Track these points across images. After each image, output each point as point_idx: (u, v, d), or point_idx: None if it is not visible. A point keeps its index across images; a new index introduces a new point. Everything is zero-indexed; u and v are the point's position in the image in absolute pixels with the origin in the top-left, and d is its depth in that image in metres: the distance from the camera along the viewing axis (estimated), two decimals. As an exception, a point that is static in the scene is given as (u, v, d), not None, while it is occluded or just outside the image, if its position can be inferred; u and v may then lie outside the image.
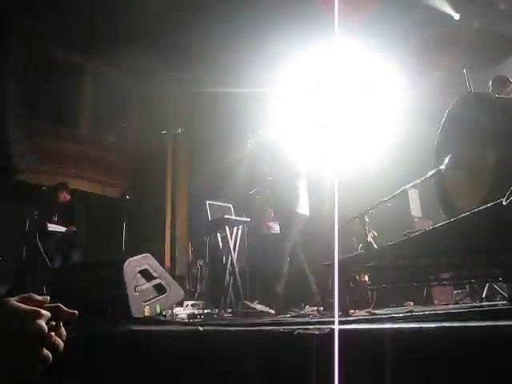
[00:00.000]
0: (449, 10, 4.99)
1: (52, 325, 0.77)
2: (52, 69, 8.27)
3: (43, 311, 0.77)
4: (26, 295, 0.80)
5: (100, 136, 9.45)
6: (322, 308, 3.76)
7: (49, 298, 0.82)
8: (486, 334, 1.14)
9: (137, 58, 8.26)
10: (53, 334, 0.77)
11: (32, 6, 6.71)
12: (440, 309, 2.75)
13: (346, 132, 6.70)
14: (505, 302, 2.24)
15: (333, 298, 3.81)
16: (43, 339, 0.75)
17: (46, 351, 0.76)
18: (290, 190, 4.60)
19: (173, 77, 9.30)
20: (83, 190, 8.51)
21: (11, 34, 6.94)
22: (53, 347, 0.77)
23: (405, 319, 1.83)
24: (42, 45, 7.93)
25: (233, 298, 5.38)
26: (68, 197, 6.55)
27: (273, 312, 4.17)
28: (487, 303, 2.44)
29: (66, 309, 0.82)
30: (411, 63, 3.89)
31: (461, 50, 3.08)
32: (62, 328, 0.80)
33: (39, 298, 0.81)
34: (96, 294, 3.48)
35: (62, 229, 6.01)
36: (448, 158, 2.78)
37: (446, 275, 2.58)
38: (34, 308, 0.77)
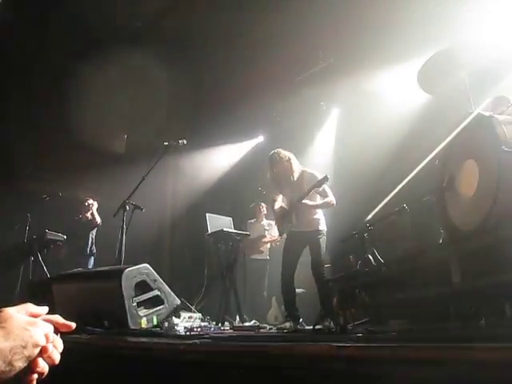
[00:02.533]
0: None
1: (49, 336, 0.77)
2: (54, 76, 8.30)
3: (41, 322, 0.77)
4: (25, 305, 0.80)
5: (102, 145, 9.47)
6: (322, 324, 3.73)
7: (47, 308, 0.82)
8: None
9: (141, 67, 8.32)
10: (50, 345, 0.77)
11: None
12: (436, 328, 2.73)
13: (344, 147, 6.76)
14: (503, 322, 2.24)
15: (330, 314, 3.81)
16: (40, 351, 0.75)
17: (42, 362, 0.76)
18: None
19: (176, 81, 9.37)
20: (83, 198, 8.51)
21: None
22: (49, 359, 0.77)
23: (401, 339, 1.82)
24: (45, 51, 7.97)
25: (232, 312, 5.38)
26: (88, 216, 6.69)
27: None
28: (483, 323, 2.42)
29: (63, 320, 0.82)
30: (411, 80, 3.91)
31: (464, 71, 3.11)
32: (59, 339, 0.80)
33: (38, 308, 0.81)
34: (93, 304, 3.46)
35: (61, 237, 6.00)
36: (448, 176, 2.79)
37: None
38: (33, 319, 0.77)
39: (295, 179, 4.62)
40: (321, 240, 4.48)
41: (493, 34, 3.60)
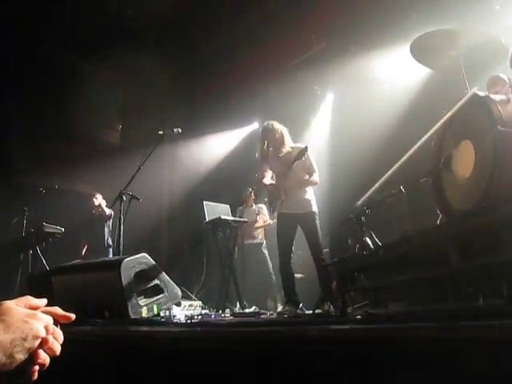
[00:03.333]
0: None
1: (49, 328, 0.77)
2: (50, 69, 8.23)
3: (41, 314, 0.77)
4: (24, 298, 0.80)
5: (98, 137, 9.43)
6: (322, 308, 3.76)
7: (46, 300, 0.82)
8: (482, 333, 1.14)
9: (134, 57, 8.25)
10: (50, 336, 0.77)
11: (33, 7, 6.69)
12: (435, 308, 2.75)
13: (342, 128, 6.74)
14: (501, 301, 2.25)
15: (329, 298, 3.83)
16: (41, 342, 0.75)
17: (43, 354, 0.76)
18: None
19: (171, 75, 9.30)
20: (80, 190, 8.50)
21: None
22: (50, 350, 0.77)
23: (402, 319, 1.84)
24: (40, 45, 7.90)
25: (232, 299, 5.41)
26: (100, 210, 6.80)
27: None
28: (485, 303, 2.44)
29: (63, 312, 0.82)
30: (408, 62, 3.89)
31: (458, 51, 3.09)
32: (59, 331, 0.80)
33: (37, 300, 0.81)
34: (93, 295, 3.47)
35: (59, 229, 6.00)
36: (444, 157, 2.80)
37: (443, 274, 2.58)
38: (32, 311, 0.77)
39: (284, 153, 4.58)
40: (316, 222, 4.45)
41: (491, 20, 3.59)
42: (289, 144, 4.63)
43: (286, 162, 4.49)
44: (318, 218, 4.47)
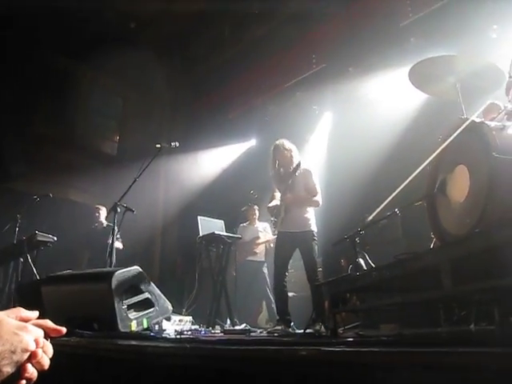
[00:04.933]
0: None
1: (39, 341, 0.76)
2: (47, 75, 8.25)
3: (31, 327, 0.76)
4: (15, 309, 0.79)
5: (94, 145, 9.42)
6: (313, 328, 3.74)
7: (37, 312, 0.81)
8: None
9: (134, 67, 8.30)
10: (40, 350, 0.76)
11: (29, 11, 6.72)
12: (427, 332, 2.75)
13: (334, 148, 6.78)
14: (492, 327, 2.25)
15: (321, 317, 3.82)
16: (30, 356, 0.74)
17: (31, 368, 0.75)
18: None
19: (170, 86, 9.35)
20: (74, 199, 8.47)
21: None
22: (39, 364, 0.76)
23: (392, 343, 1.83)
24: (37, 50, 7.92)
25: (223, 316, 5.37)
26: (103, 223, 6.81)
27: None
28: (476, 327, 2.44)
29: (53, 325, 0.81)
30: (406, 85, 3.94)
31: (455, 78, 3.13)
32: (49, 345, 0.79)
33: (28, 312, 0.80)
34: (83, 306, 3.44)
35: (51, 238, 5.95)
36: (440, 181, 2.81)
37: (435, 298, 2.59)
38: (23, 323, 0.76)
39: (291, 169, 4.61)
40: (314, 242, 4.46)
41: (487, 48, 3.65)
42: (297, 161, 4.67)
43: (292, 181, 4.53)
44: (316, 238, 4.49)
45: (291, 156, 4.65)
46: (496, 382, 1.07)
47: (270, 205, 4.77)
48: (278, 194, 4.79)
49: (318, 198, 4.52)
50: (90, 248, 6.83)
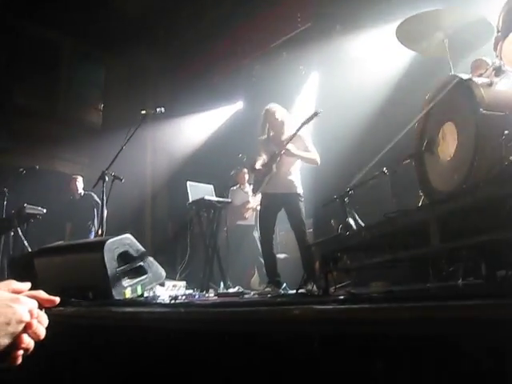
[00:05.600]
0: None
1: (33, 312, 0.77)
2: (26, 45, 8.02)
3: (24, 298, 0.77)
4: (7, 282, 0.80)
5: (78, 115, 9.27)
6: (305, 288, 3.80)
7: (30, 284, 0.82)
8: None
9: (117, 34, 8.08)
10: (34, 321, 0.77)
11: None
12: (416, 288, 2.81)
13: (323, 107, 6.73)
14: (479, 281, 2.31)
15: (312, 278, 3.88)
16: (25, 327, 0.75)
17: (27, 338, 0.76)
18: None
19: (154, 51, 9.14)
20: (62, 171, 8.40)
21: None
22: (34, 334, 0.77)
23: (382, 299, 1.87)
24: (17, 18, 7.67)
25: (216, 279, 5.44)
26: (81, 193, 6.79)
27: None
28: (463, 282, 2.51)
29: (47, 295, 0.82)
30: (393, 43, 3.89)
31: (443, 33, 3.09)
32: (44, 315, 0.80)
33: (20, 284, 0.81)
34: (77, 277, 3.46)
35: (41, 210, 5.93)
36: (427, 139, 2.82)
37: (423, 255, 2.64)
38: (15, 295, 0.77)
39: (285, 138, 4.55)
40: (300, 203, 4.47)
41: (476, 1, 3.58)
42: (289, 128, 4.61)
43: (283, 144, 4.49)
44: (302, 199, 4.50)
45: (282, 121, 4.61)
46: (486, 332, 1.11)
47: (257, 166, 4.68)
48: (262, 157, 4.71)
49: (314, 155, 4.52)
50: (70, 219, 6.90)
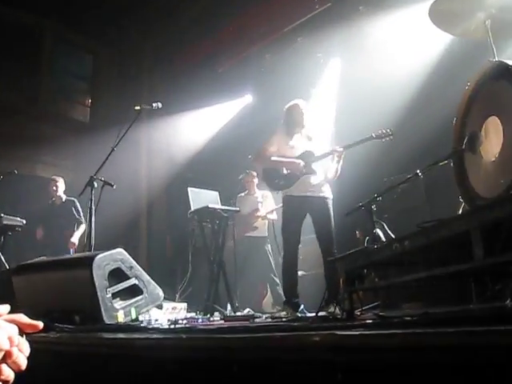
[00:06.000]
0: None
1: (13, 339, 0.77)
2: (3, 31, 8.11)
3: (3, 323, 0.77)
4: (-18, 305, 0.80)
5: (62, 111, 9.34)
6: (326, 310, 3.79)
7: (9, 307, 0.82)
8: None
9: (106, 19, 8.15)
10: (15, 349, 0.77)
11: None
12: (456, 310, 2.78)
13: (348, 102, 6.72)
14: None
15: (335, 298, 3.86)
16: (4, 356, 0.75)
17: (7, 369, 0.76)
18: None
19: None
20: (41, 175, 8.45)
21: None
22: (15, 364, 0.77)
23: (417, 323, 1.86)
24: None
25: (222, 301, 5.43)
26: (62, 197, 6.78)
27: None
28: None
29: (28, 320, 0.82)
30: (424, 26, 3.88)
31: (485, 14, 3.08)
32: (25, 342, 0.79)
33: (-2, 307, 0.81)
34: (61, 297, 3.48)
35: (20, 221, 5.97)
36: (468, 136, 2.80)
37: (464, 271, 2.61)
38: None
39: (311, 136, 4.69)
40: (330, 209, 4.50)
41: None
42: (314, 124, 4.72)
43: (308, 139, 4.60)
44: (331, 205, 4.52)
45: (307, 117, 4.74)
46: None
47: (279, 158, 4.66)
48: (272, 149, 4.70)
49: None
50: (44, 227, 6.74)
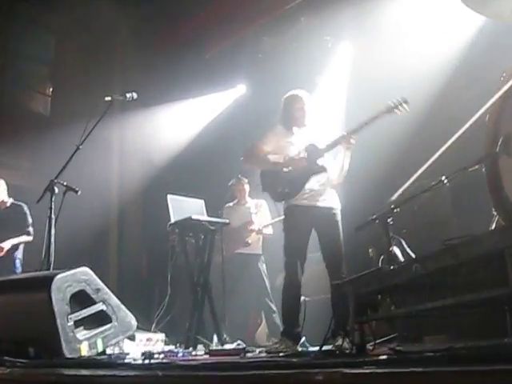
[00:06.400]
0: None
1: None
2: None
3: None
4: None
5: (17, 102, 9.32)
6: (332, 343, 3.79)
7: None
8: None
9: None
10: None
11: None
12: (489, 345, 2.78)
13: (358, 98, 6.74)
14: None
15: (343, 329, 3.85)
16: None
17: None
18: None
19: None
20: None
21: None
22: None
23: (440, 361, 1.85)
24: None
25: (207, 331, 5.42)
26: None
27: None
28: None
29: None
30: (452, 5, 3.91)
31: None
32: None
33: None
34: (13, 326, 3.45)
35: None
36: (503, 137, 2.81)
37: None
38: None
39: (313, 133, 4.67)
40: (339, 222, 4.47)
41: None
42: (320, 121, 4.71)
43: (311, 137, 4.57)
44: (340, 217, 4.51)
45: (309, 111, 4.73)
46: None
47: (274, 159, 4.68)
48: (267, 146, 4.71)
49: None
50: None
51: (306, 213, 4.48)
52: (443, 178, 3.21)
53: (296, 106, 4.72)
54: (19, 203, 6.63)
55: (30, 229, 6.49)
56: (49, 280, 3.43)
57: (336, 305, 4.23)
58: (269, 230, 6.57)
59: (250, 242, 6.57)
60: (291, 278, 4.49)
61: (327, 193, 4.55)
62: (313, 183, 4.50)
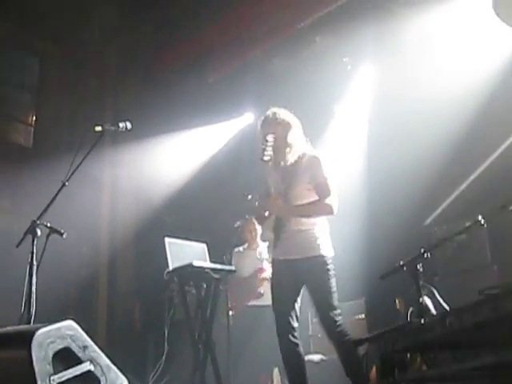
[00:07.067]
0: None
1: None
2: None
3: None
4: None
5: (0, 134, 9.41)
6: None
7: None
8: None
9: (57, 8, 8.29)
10: None
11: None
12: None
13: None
14: None
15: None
16: None
17: None
18: None
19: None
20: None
21: None
22: None
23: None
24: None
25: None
26: None
27: None
28: None
29: None
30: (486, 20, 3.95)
31: None
32: None
33: None
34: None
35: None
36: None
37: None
38: None
39: (289, 162, 4.53)
40: (327, 272, 4.33)
41: None
42: (298, 147, 4.61)
43: (290, 175, 4.49)
44: (330, 265, 4.41)
45: (286, 134, 4.59)
46: None
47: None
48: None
49: (331, 200, 4.45)
50: None
51: (286, 267, 4.46)
52: (480, 217, 3.20)
53: (270, 125, 4.63)
54: None
55: None
56: (29, 336, 3.42)
57: (350, 365, 4.18)
58: None
59: (262, 292, 6.50)
60: (283, 338, 4.43)
61: (311, 242, 4.48)
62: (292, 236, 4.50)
